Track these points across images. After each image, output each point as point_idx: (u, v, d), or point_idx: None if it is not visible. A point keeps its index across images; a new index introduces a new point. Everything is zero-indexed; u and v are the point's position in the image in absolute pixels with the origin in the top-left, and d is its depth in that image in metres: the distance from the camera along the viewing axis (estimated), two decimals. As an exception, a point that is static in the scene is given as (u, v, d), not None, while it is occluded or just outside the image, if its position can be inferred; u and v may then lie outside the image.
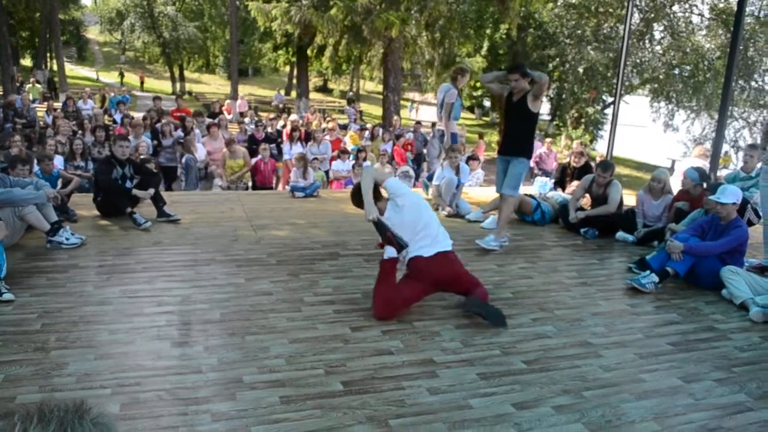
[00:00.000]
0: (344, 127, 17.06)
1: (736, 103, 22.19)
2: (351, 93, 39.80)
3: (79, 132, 10.73)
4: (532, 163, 14.05)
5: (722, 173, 10.15)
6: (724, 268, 4.81)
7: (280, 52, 31.43)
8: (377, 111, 28.34)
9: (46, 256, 5.08)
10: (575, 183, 7.41)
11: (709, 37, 24.24)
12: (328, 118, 17.68)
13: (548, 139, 16.12)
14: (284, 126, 13.93)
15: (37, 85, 25.09)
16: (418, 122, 15.56)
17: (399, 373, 3.29)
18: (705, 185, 6.20)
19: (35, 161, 6.82)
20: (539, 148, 14.73)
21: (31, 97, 19.08)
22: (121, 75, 40.82)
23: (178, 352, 3.43)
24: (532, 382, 3.26)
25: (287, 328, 3.80)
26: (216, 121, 12.04)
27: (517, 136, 5.69)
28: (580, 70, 23.91)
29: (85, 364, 3.22)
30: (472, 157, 11.41)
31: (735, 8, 7.10)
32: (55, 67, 31.44)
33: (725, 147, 10.82)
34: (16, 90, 21.03)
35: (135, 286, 4.44)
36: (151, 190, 6.37)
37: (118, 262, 4.99)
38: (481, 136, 18.84)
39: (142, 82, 38.77)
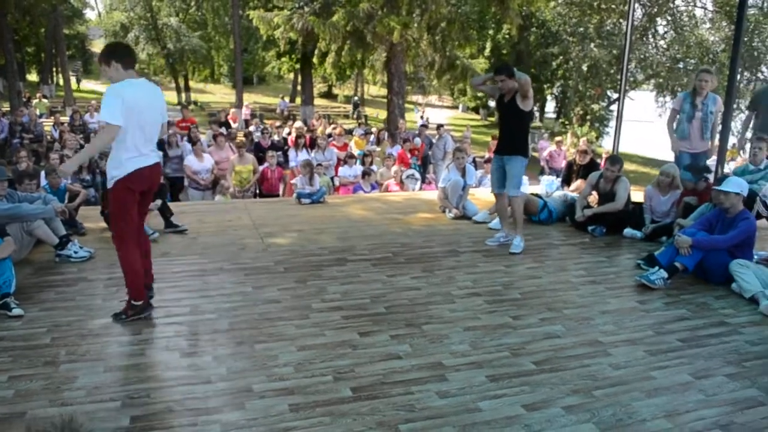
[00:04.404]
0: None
1: (742, 95, 22.05)
2: (356, 98, 39.82)
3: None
4: (542, 162, 14.06)
5: (730, 166, 10.08)
6: (733, 262, 4.78)
7: (283, 59, 31.42)
8: (382, 115, 28.39)
9: (55, 270, 5.11)
10: (580, 181, 7.38)
11: (713, 30, 24.14)
12: (333, 124, 17.70)
13: (558, 138, 16.01)
14: (289, 133, 13.95)
15: (44, 100, 25.29)
16: (424, 125, 15.55)
17: (408, 378, 3.28)
18: (710, 179, 6.16)
19: (43, 175, 6.87)
20: (548, 147, 14.69)
21: (38, 112, 19.23)
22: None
23: (187, 362, 3.44)
24: (541, 383, 3.25)
25: (295, 336, 3.81)
26: (222, 130, 12.05)
27: (510, 135, 5.81)
28: (584, 67, 23.86)
29: (94, 377, 3.23)
30: (487, 160, 11.38)
31: (738, 0, 7.06)
32: (61, 82, 31.61)
33: (732, 139, 10.76)
34: (23, 105, 21.17)
35: (143, 298, 4.45)
36: (159, 201, 6.40)
37: (127, 274, 5.00)
38: (495, 138, 18.81)
39: None
